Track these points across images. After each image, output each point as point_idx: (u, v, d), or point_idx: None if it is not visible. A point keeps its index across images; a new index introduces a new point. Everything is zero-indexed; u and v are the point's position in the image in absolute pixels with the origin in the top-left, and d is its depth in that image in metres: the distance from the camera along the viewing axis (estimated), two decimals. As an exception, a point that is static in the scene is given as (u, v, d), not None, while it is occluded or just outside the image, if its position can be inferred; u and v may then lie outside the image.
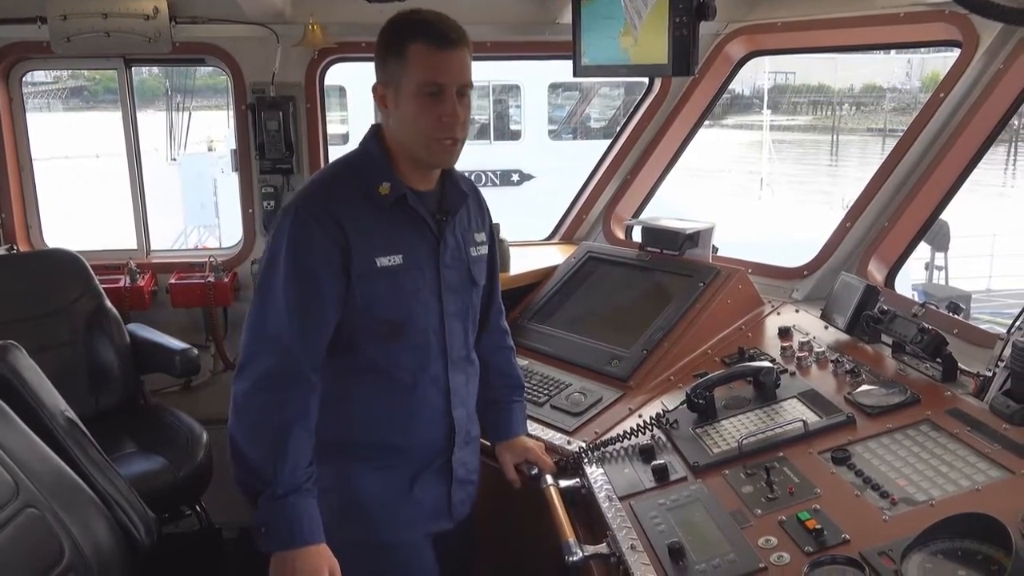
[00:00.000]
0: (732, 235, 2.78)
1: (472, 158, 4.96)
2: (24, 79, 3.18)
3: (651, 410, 2.07)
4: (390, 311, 1.69)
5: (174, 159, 12.47)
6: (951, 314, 2.12)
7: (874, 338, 2.10)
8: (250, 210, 3.25)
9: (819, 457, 1.71)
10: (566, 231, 3.35)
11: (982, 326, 2.15)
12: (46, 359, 1.75)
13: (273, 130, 3.08)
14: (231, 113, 3.21)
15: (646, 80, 3.22)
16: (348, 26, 3.01)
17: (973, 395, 1.77)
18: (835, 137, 27.11)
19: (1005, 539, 1.26)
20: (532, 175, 9.40)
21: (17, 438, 1.34)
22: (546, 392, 2.29)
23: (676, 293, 2.48)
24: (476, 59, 1.71)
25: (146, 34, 2.94)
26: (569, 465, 1.97)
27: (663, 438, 1.94)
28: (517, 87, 9.41)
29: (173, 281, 3.18)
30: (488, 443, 2.00)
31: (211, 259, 3.20)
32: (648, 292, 2.61)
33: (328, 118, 3.33)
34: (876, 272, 2.46)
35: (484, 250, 1.87)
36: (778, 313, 2.46)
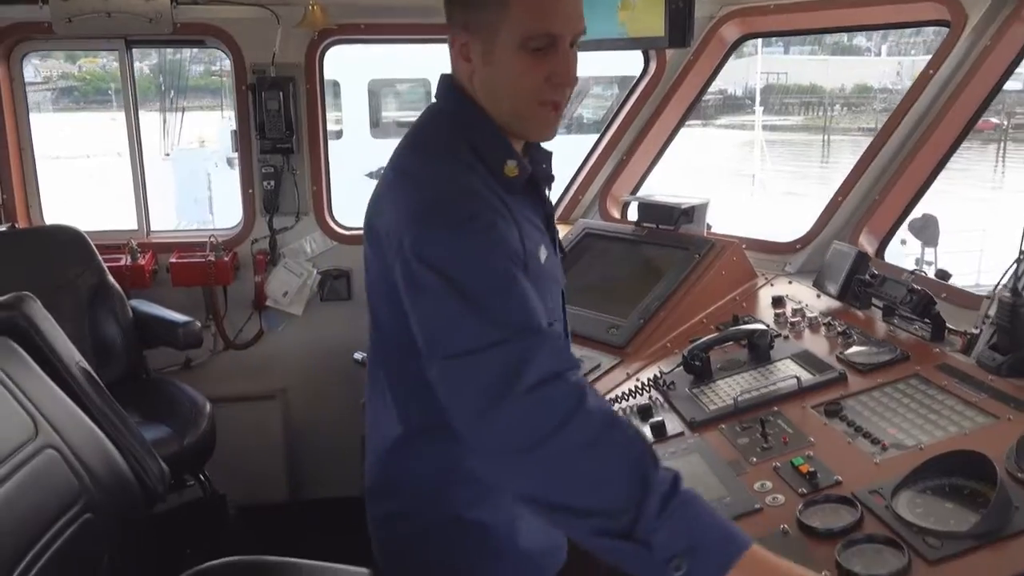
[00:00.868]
0: (725, 228, 2.82)
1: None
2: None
3: (648, 374, 2.12)
4: (549, 312, 1.31)
5: (167, 154, 12.50)
6: (940, 280, 2.17)
7: (865, 304, 2.15)
8: (250, 190, 3.29)
9: (812, 411, 1.76)
10: (563, 211, 3.40)
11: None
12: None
13: (273, 110, 3.12)
14: (231, 94, 3.24)
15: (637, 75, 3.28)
16: (348, 7, 3.06)
17: (961, 352, 1.82)
18: (827, 137, 27.30)
19: (991, 473, 1.31)
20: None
21: (35, 383, 1.37)
22: (545, 360, 2.33)
23: (672, 265, 2.53)
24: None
25: (147, 15, 2.98)
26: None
27: (660, 399, 1.99)
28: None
29: (174, 260, 3.21)
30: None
31: (212, 239, 3.24)
32: (644, 265, 2.66)
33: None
34: (867, 244, 2.51)
35: None
36: (771, 284, 2.51)
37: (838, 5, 2.68)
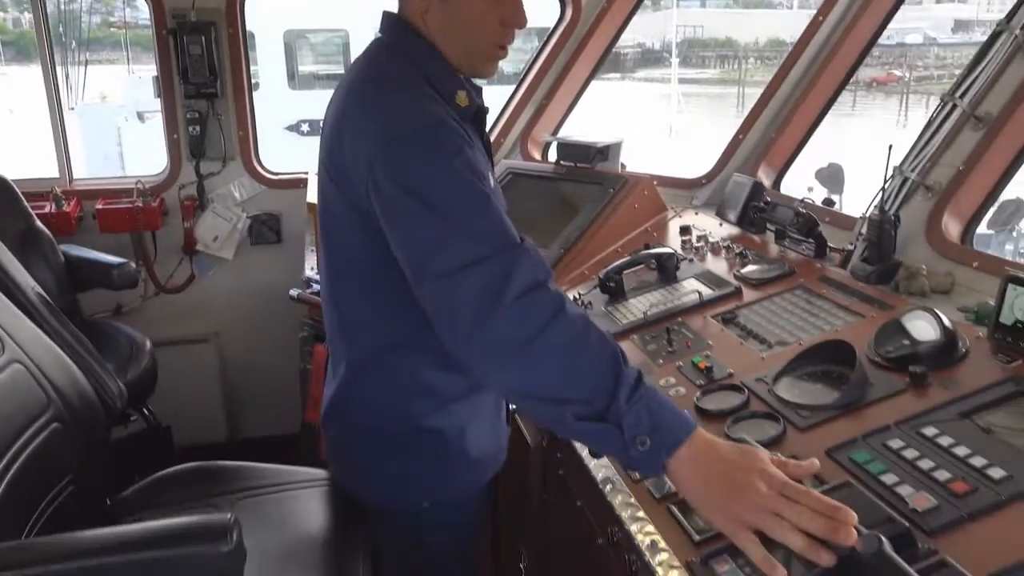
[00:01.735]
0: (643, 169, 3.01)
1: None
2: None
3: (569, 298, 2.31)
4: None
5: (72, 108, 11.94)
6: (825, 207, 2.43)
7: (760, 229, 2.39)
8: (175, 136, 3.30)
9: (711, 320, 1.99)
10: (486, 155, 3.54)
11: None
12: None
13: (196, 55, 3.14)
14: (152, 42, 3.22)
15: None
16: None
17: (839, 266, 2.08)
18: (741, 89, 28.04)
19: (852, 358, 1.56)
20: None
21: (-5, 304, 1.46)
22: (473, 289, 2.50)
23: (589, 200, 2.72)
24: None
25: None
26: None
27: (579, 317, 2.19)
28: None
29: (100, 207, 3.22)
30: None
31: (139, 184, 3.25)
32: (564, 201, 2.84)
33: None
34: (765, 177, 2.75)
35: None
36: (680, 216, 2.74)
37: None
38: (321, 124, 1.51)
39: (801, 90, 2.73)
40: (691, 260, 2.34)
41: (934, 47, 27.12)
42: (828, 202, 2.48)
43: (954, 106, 2.02)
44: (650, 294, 2.19)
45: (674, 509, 1.35)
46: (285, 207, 3.40)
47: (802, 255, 2.20)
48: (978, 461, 1.24)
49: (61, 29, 12.43)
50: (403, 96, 1.36)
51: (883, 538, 0.97)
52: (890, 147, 1.91)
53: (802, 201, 2.42)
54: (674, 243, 2.53)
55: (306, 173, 3.27)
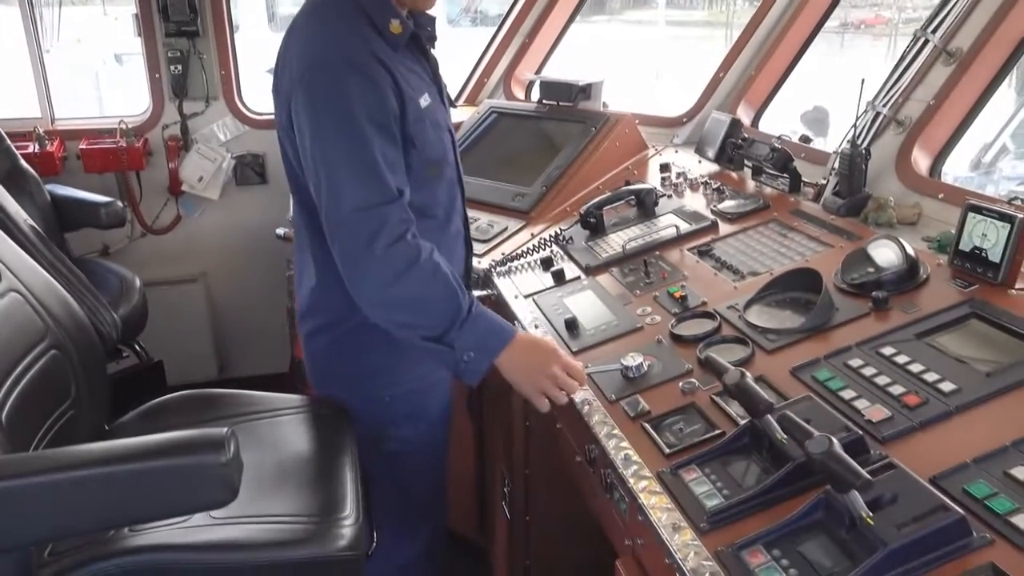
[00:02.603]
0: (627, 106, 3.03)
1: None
2: None
3: (550, 233, 2.37)
4: (435, 150, 1.69)
5: (47, 51, 11.66)
6: (802, 143, 2.47)
7: (738, 165, 2.44)
8: (156, 75, 3.29)
9: (688, 253, 2.05)
10: (469, 94, 3.55)
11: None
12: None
13: (176, -8, 3.11)
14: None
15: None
16: None
17: (812, 200, 2.14)
18: (729, 32, 27.66)
19: (819, 285, 1.63)
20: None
21: (-10, 236, 1.49)
22: (457, 226, 2.55)
23: (571, 138, 2.75)
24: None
25: None
26: (480, 280, 2.26)
27: (560, 252, 2.25)
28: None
29: (84, 147, 3.22)
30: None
31: (122, 124, 3.25)
32: (546, 139, 2.87)
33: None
34: (744, 115, 2.78)
35: None
36: (660, 154, 2.78)
37: None
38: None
39: (780, 29, 2.75)
40: (670, 196, 2.39)
41: (924, -12, 26.74)
42: (804, 139, 2.53)
43: (926, 41, 2.05)
44: (629, 229, 2.25)
45: (647, 426, 1.43)
46: (269, 147, 3.41)
47: (777, 190, 2.25)
48: (931, 376, 1.32)
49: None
50: (326, 27, 1.57)
51: (832, 439, 1.05)
52: (862, 81, 1.96)
53: (779, 138, 2.47)
54: (654, 180, 2.57)
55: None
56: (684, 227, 2.15)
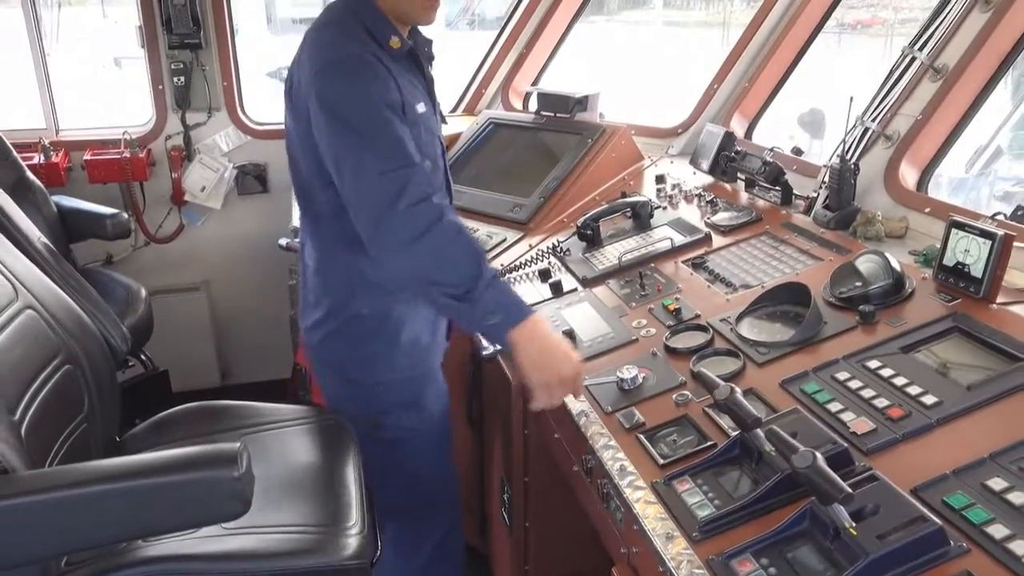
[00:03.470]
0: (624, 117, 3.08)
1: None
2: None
3: (548, 244, 2.42)
4: (428, 152, 1.80)
5: (48, 54, 11.68)
6: (793, 155, 2.53)
7: (732, 177, 2.49)
8: (160, 86, 3.33)
9: (682, 265, 2.10)
10: (467, 104, 3.60)
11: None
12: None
13: (179, 4, 3.15)
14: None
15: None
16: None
17: (803, 213, 2.19)
18: (726, 32, 27.75)
19: (809, 298, 1.68)
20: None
21: (7, 254, 1.54)
22: (457, 237, 2.60)
23: (568, 149, 2.81)
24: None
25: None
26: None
27: (558, 263, 2.30)
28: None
29: (88, 158, 3.26)
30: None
31: (125, 135, 3.29)
32: (544, 150, 2.93)
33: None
34: (738, 127, 2.84)
35: None
36: (656, 165, 2.83)
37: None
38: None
39: (773, 41, 2.80)
40: (665, 208, 2.45)
41: (920, -12, 26.85)
42: (796, 151, 2.57)
43: (913, 58, 2.11)
44: (625, 241, 2.30)
45: (641, 438, 1.48)
46: (271, 157, 3.45)
47: (769, 202, 2.31)
48: (914, 389, 1.38)
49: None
50: (337, 39, 1.71)
51: (816, 453, 1.11)
52: (851, 99, 2.01)
53: (771, 150, 2.52)
54: (649, 191, 2.63)
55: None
56: (678, 239, 2.20)
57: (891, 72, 2.17)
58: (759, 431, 1.26)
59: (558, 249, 2.34)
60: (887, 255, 1.71)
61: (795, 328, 1.65)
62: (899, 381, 1.41)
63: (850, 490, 1.07)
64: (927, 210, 1.95)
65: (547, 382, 1.59)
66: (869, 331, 1.59)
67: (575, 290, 2.14)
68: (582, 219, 2.34)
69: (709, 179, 2.57)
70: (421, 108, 1.79)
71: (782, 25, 2.77)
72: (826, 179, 2.12)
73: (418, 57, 1.85)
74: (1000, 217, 1.71)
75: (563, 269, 2.27)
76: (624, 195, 2.60)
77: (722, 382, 1.34)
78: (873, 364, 1.47)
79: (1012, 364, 1.36)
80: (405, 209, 1.57)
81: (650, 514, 1.31)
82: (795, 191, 2.27)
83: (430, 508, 2.09)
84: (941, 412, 1.32)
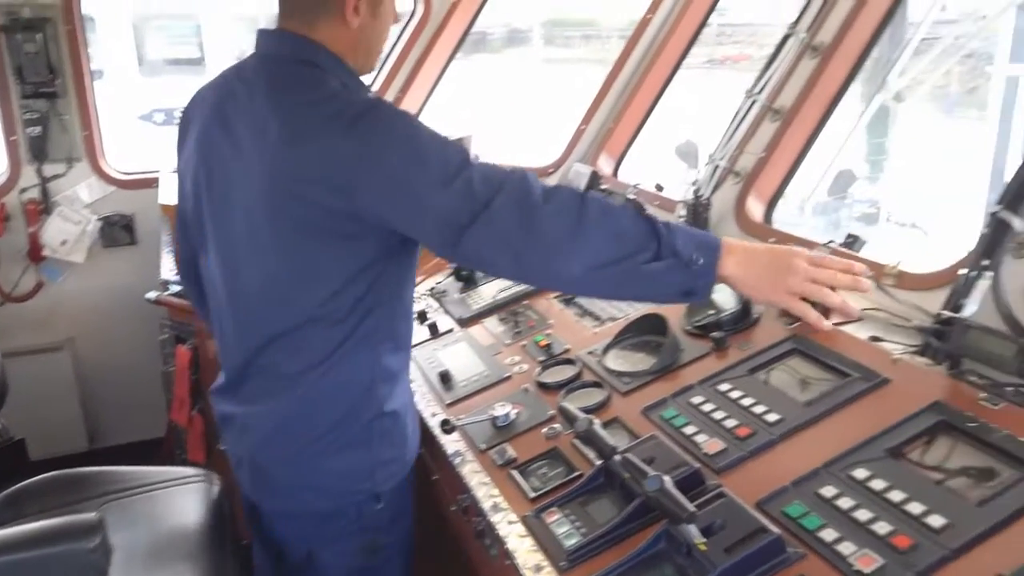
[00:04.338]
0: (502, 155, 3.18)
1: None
2: None
3: (424, 287, 2.45)
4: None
5: None
6: (656, 191, 2.67)
7: (599, 214, 2.60)
8: (13, 137, 3.17)
9: (554, 301, 2.18)
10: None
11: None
12: None
13: (32, 52, 3.02)
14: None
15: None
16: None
17: (664, 246, 2.32)
18: (604, 69, 28.80)
19: (666, 328, 1.78)
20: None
21: None
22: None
23: (443, 191, 2.85)
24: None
25: None
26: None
27: (435, 303, 2.33)
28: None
29: (-68, 214, 3.06)
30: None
31: (-26, 189, 3.11)
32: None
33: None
34: (605, 165, 2.98)
35: None
36: (529, 204, 2.92)
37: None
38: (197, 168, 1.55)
39: (635, 82, 2.96)
40: (537, 245, 2.52)
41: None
42: (659, 187, 2.72)
43: (755, 101, 2.29)
44: (499, 280, 2.36)
45: (514, 473, 1.52)
46: (139, 207, 3.33)
47: (634, 237, 2.42)
48: (759, 409, 1.48)
49: None
50: (335, 89, 1.42)
51: (664, 477, 1.18)
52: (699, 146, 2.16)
53: (635, 187, 2.66)
54: (523, 230, 2.70)
55: (158, 172, 3.22)
56: (549, 276, 2.28)
57: (736, 113, 2.34)
58: (617, 458, 1.32)
59: (435, 291, 2.37)
60: (735, 284, 1.83)
61: (656, 357, 1.74)
62: (746, 401, 1.51)
63: (695, 509, 1.14)
64: (772, 240, 2.10)
65: (792, 287, 1.38)
66: (721, 356, 1.69)
67: (451, 330, 2.17)
68: (456, 260, 2.38)
69: (578, 216, 2.67)
70: None
71: (644, 65, 2.94)
72: (683, 213, 2.26)
73: None
74: (832, 244, 1.87)
75: (441, 310, 2.30)
76: (498, 234, 2.67)
77: (582, 415, 1.40)
78: (724, 387, 1.57)
79: (842, 379, 1.49)
80: (545, 202, 1.34)
81: (522, 548, 1.34)
82: (656, 225, 2.40)
83: None
84: (783, 428, 1.42)
